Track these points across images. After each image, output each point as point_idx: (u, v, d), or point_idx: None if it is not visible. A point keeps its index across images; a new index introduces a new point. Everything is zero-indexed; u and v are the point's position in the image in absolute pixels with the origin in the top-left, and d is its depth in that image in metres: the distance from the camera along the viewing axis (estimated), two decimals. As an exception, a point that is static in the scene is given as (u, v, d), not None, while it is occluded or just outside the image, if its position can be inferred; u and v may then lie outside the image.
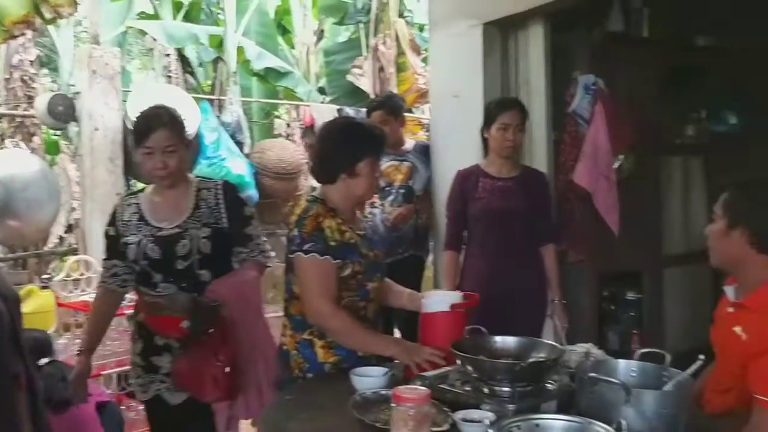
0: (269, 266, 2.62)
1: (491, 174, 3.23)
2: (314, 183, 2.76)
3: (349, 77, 6.36)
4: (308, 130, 5.24)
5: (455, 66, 3.83)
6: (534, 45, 3.49)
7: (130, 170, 4.45)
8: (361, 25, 6.91)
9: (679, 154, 4.03)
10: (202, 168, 4.47)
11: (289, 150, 4.94)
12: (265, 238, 2.61)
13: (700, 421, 1.78)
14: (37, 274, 4.80)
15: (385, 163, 3.86)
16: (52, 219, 4.18)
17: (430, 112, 4.16)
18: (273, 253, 2.73)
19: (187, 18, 7.82)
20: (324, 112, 5.31)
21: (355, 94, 6.37)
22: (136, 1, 7.05)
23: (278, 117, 6.20)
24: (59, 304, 3.74)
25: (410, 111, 6.53)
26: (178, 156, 2.43)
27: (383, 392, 1.86)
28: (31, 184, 3.95)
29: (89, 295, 3.59)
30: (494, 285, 3.15)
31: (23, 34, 4.49)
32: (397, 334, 3.92)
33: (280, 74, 6.88)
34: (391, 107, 3.86)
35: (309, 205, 2.28)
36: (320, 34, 7.94)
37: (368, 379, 2.01)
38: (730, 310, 2.02)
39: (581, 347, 2.19)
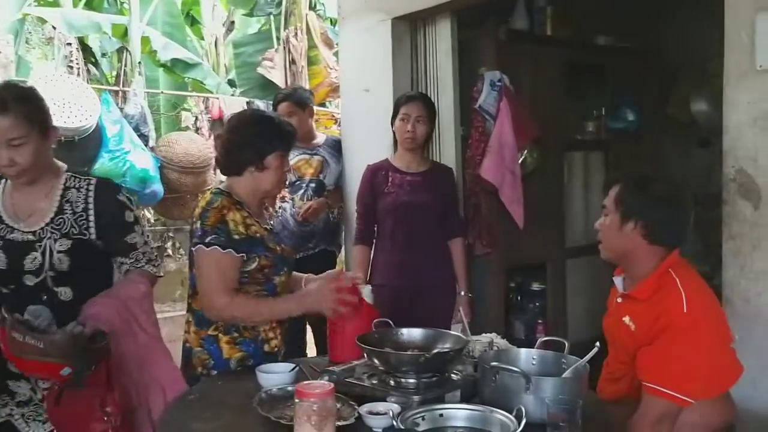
0: (160, 275, 2.24)
1: (400, 169, 3.26)
2: (223, 177, 2.50)
3: (260, 70, 6.25)
4: (217, 122, 5.13)
5: (365, 60, 3.83)
6: (442, 40, 3.54)
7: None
8: (272, 17, 6.81)
9: (581, 149, 4.17)
10: (104, 162, 4.30)
11: (197, 143, 4.82)
12: (157, 244, 2.41)
13: (594, 407, 1.85)
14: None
15: (296, 157, 3.83)
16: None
17: (340, 106, 4.13)
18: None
19: (89, 6, 7.50)
20: (233, 104, 5.21)
21: (265, 87, 6.26)
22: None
23: (186, 110, 6.03)
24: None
25: (323, 105, 6.49)
26: (31, 149, 1.98)
27: (289, 388, 1.84)
28: None
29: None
30: (403, 278, 3.20)
31: None
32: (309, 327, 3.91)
33: (188, 65, 6.69)
34: (298, 99, 3.83)
35: (213, 197, 2.23)
36: (230, 26, 7.78)
37: (274, 376, 2.00)
38: (619, 300, 2.11)
39: (485, 337, 2.24)
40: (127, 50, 6.49)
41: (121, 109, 4.63)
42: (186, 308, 2.37)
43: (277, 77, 6.11)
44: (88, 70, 7.29)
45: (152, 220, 5.57)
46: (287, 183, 3.89)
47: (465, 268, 3.31)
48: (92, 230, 2.08)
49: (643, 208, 1.98)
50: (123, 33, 6.55)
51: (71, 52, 6.87)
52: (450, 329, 3.14)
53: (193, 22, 7.98)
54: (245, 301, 2.18)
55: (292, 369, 2.02)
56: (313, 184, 3.85)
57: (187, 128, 5.22)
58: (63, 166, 2.17)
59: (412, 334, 2.06)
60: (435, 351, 1.88)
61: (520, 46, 3.74)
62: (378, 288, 3.19)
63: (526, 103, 3.70)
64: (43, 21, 6.57)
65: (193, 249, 2.19)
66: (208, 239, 2.13)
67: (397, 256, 3.21)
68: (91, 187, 2.10)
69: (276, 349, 2.29)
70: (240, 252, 2.16)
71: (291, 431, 1.51)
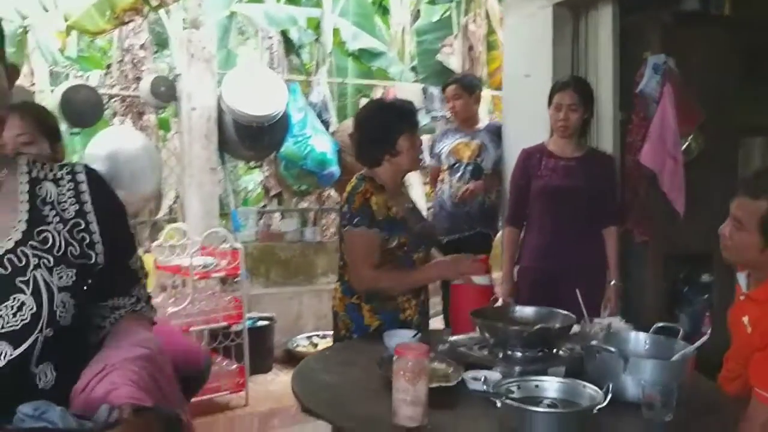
0: (155, 323, 1.28)
1: (555, 153, 3.29)
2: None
3: (439, 57, 6.47)
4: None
5: (527, 46, 3.89)
6: (603, 26, 3.51)
7: (225, 147, 4.81)
8: (454, 4, 6.98)
9: (761, 135, 3.90)
10: (288, 146, 4.77)
11: (373, 128, 5.13)
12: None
13: (702, 396, 1.84)
14: (150, 240, 5.29)
15: (457, 140, 4.00)
16: (154, 189, 4.62)
17: (503, 91, 4.23)
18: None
19: (291, 1, 8.17)
20: (407, 91, 5.47)
21: (443, 74, 6.46)
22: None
23: (367, 96, 6.41)
24: (157, 267, 4.14)
25: (499, 89, 6.57)
26: None
27: (408, 352, 2.04)
28: (135, 157, 4.38)
29: (184, 260, 3.94)
30: (549, 262, 3.24)
31: (132, 20, 4.92)
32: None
33: (373, 54, 7.06)
34: (465, 83, 3.99)
35: (358, 182, 2.48)
36: (417, 14, 8.06)
37: (396, 339, 2.20)
38: (741, 298, 2.05)
39: (607, 320, 2.28)
40: (318, 41, 7.00)
41: (306, 97, 5.08)
42: (337, 278, 2.66)
43: (455, 63, 6.29)
44: (290, 61, 7.99)
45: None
46: (447, 165, 4.09)
47: (617, 256, 3.28)
48: (98, 248, 1.14)
49: None
50: (317, 25, 7.06)
51: (272, 45, 7.57)
52: (600, 316, 3.20)
53: (384, 11, 8.37)
54: (389, 273, 2.43)
55: (415, 335, 2.22)
56: (470, 167, 4.00)
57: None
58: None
59: (525, 311, 2.17)
60: (538, 326, 1.98)
61: (691, 28, 3.59)
62: (524, 269, 3.29)
63: (697, 87, 3.55)
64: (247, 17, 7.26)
65: (343, 230, 2.46)
66: (355, 221, 2.39)
67: (544, 239, 3.25)
68: (81, 177, 1.16)
69: (409, 318, 2.51)
70: (382, 231, 2.40)
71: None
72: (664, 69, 3.43)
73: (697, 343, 1.85)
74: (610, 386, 1.64)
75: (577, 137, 3.24)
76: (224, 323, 3.87)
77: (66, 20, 4.82)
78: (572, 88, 3.14)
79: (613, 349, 1.79)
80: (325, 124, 5.05)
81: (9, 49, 1.25)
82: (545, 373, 1.88)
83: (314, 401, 1.86)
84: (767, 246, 1.91)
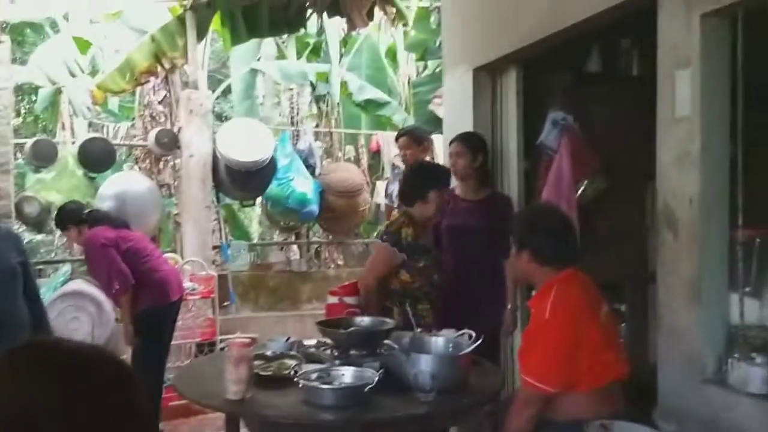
0: None
1: (461, 196, 3.87)
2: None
3: (431, 107, 7.11)
4: (375, 154, 6.10)
5: (458, 104, 4.49)
6: (509, 86, 4.09)
7: (220, 188, 5.58)
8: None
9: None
10: (272, 187, 5.49)
11: (352, 172, 5.83)
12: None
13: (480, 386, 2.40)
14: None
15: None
16: (156, 224, 5.40)
17: (443, 141, 4.82)
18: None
19: (315, 54, 9.01)
20: (390, 139, 6.13)
21: (435, 122, 7.10)
22: (264, 43, 8.32)
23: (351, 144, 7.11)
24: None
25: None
26: None
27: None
28: (139, 197, 5.19)
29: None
30: (457, 288, 3.80)
31: (148, 81, 5.78)
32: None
33: (379, 104, 7.78)
34: (414, 135, 4.62)
35: (400, 215, 3.36)
36: (424, 68, 8.76)
37: (275, 344, 2.83)
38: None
39: (447, 332, 2.85)
40: (328, 94, 7.78)
41: (295, 145, 5.81)
42: None
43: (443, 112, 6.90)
44: (311, 110, 8.79)
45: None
46: (396, 205, 4.70)
47: (515, 286, 3.80)
48: None
49: (527, 238, 2.47)
50: (326, 78, 7.85)
51: (292, 96, 8.38)
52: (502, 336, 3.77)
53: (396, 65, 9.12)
54: (376, 296, 3.15)
55: (287, 339, 2.85)
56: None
57: (349, 159, 6.24)
58: None
59: (364, 320, 2.77)
60: (350, 329, 2.57)
61: (595, 86, 4.12)
62: (441, 291, 3.87)
63: (604, 137, 4.06)
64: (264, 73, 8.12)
65: (377, 242, 3.34)
66: (385, 237, 3.25)
67: (452, 269, 3.79)
68: None
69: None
70: (401, 251, 3.17)
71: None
72: (562, 124, 3.97)
73: (473, 346, 2.41)
74: (381, 372, 2.23)
75: (477, 182, 3.80)
76: (198, 339, 4.56)
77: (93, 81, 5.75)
78: (459, 140, 3.75)
79: (395, 346, 2.37)
80: (311, 168, 5.75)
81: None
82: (361, 365, 2.48)
83: (181, 382, 2.51)
84: (519, 251, 2.46)
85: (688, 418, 2.46)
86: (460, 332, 2.81)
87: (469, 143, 3.78)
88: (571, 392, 2.34)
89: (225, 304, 5.32)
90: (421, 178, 3.33)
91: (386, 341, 2.57)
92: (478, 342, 2.41)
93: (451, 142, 3.81)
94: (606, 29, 3.57)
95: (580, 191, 4.01)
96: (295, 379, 2.27)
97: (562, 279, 2.44)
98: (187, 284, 4.59)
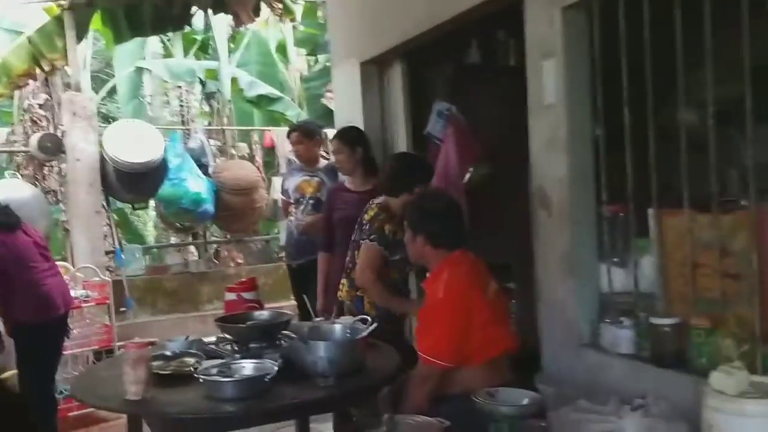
0: None
1: (350, 189, 3.98)
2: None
3: (324, 101, 7.18)
4: (270, 150, 6.11)
5: (347, 97, 4.60)
6: (395, 79, 4.23)
7: (109, 192, 5.44)
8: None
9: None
10: (165, 187, 5.41)
11: (246, 169, 5.82)
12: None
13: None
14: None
15: (300, 178, 4.67)
16: (44, 232, 5.21)
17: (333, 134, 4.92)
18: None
19: (203, 51, 8.88)
20: (283, 135, 6.15)
21: (328, 116, 7.18)
22: (149, 41, 8.13)
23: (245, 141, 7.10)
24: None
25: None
26: None
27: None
28: (24, 205, 4.97)
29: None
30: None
31: (27, 84, 5.56)
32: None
33: (272, 100, 7.78)
34: (305, 130, 4.67)
35: (378, 212, 3.34)
36: (316, 62, 8.83)
37: (174, 344, 2.84)
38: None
39: (343, 319, 2.94)
40: (219, 91, 7.70)
41: (185, 144, 5.75)
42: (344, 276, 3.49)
43: (335, 107, 6.99)
44: (203, 109, 8.67)
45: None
46: (293, 200, 4.76)
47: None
48: None
49: (420, 222, 2.60)
50: (215, 76, 7.77)
51: (180, 94, 8.23)
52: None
53: (287, 60, 9.12)
54: (382, 287, 3.25)
55: (186, 338, 2.86)
56: (312, 201, 4.65)
57: (243, 157, 6.24)
58: None
59: (263, 314, 2.83)
60: (248, 323, 2.63)
61: (474, 77, 4.32)
62: (334, 286, 3.95)
63: (487, 125, 4.26)
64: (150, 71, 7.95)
65: (361, 241, 3.32)
66: (371, 237, 3.27)
67: (343, 260, 3.90)
68: None
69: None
70: (387, 248, 3.25)
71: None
72: (447, 114, 4.14)
73: (368, 330, 2.51)
74: (281, 360, 2.30)
75: (363, 173, 3.92)
76: (95, 347, 4.46)
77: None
78: (336, 136, 3.90)
79: (294, 336, 2.45)
80: (204, 167, 5.71)
81: None
82: (261, 357, 2.53)
83: (78, 388, 2.49)
84: (414, 235, 2.63)
85: (567, 380, 2.67)
86: (357, 318, 2.95)
87: (346, 138, 3.91)
88: (465, 366, 2.50)
89: (122, 309, 5.21)
90: (410, 171, 3.37)
91: (285, 332, 2.65)
92: (373, 327, 2.51)
93: (332, 140, 3.92)
94: (483, 22, 3.76)
95: (466, 178, 4.20)
96: (196, 376, 2.31)
97: (452, 260, 2.60)
98: (79, 292, 4.48)
